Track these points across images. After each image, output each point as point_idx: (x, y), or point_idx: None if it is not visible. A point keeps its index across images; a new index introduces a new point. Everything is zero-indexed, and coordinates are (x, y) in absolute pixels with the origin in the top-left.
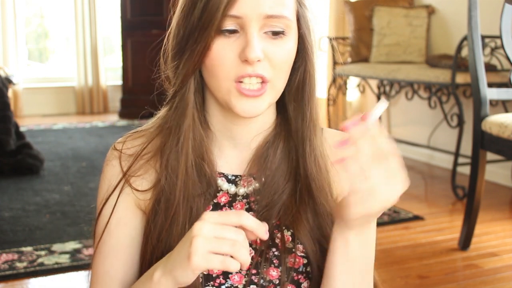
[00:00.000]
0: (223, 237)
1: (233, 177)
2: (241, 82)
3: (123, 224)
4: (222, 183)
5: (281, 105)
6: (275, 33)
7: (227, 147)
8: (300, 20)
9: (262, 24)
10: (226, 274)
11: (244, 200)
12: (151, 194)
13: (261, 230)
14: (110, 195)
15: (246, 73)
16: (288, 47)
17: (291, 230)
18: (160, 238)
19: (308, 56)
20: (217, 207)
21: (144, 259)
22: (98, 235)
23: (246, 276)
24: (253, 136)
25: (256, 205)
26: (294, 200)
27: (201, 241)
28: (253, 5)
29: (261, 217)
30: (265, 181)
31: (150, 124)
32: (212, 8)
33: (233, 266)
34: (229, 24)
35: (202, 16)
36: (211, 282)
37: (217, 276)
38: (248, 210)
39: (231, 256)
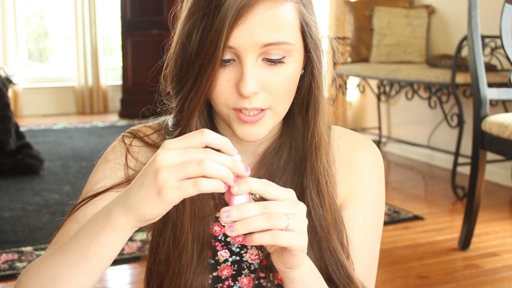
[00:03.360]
0: (188, 160)
1: None
2: (239, 110)
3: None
4: None
5: (288, 112)
6: (272, 61)
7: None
8: (306, 39)
9: (260, 52)
10: (235, 277)
11: None
12: None
13: (228, 147)
14: (112, 187)
15: (243, 106)
16: (288, 73)
17: None
18: (169, 265)
19: (313, 74)
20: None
21: (150, 283)
22: (82, 198)
23: (255, 279)
24: (259, 141)
25: None
26: None
27: (167, 172)
28: (248, 35)
29: None
30: None
31: (156, 134)
32: (211, 42)
33: (207, 185)
34: (225, 55)
35: (201, 49)
36: (220, 285)
37: (226, 279)
38: None
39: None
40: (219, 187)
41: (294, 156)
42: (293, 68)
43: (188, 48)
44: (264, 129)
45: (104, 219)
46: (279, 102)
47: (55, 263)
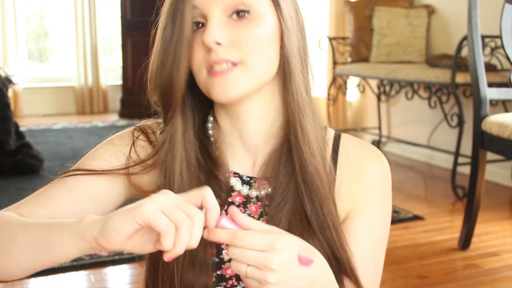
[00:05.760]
0: (182, 208)
1: (248, 179)
2: (211, 68)
3: (102, 179)
4: (236, 183)
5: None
6: (239, 13)
7: (238, 149)
8: (275, 4)
9: (224, 7)
10: (239, 276)
11: (259, 203)
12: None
13: (213, 214)
14: (111, 170)
15: (211, 60)
16: (256, 27)
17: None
18: None
19: (284, 43)
20: None
21: (152, 277)
22: (76, 167)
23: None
24: (263, 137)
25: (270, 210)
26: (297, 207)
27: (163, 199)
28: None
29: (273, 222)
30: (275, 187)
31: (161, 131)
32: (179, 9)
33: (166, 242)
34: (196, 17)
35: (174, 22)
36: (224, 283)
37: (230, 278)
38: (262, 213)
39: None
40: (168, 248)
41: (291, 147)
42: (262, 26)
43: (165, 36)
44: (236, 84)
45: (79, 219)
46: (250, 55)
47: (22, 229)
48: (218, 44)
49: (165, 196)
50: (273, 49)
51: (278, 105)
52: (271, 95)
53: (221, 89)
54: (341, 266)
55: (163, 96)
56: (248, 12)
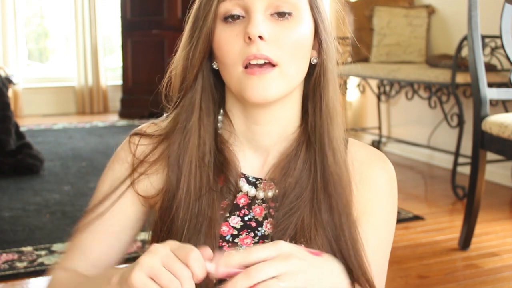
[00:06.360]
0: (169, 268)
1: (254, 180)
2: (249, 63)
3: (118, 210)
4: (243, 184)
5: (305, 110)
6: (281, 14)
7: (248, 149)
8: (313, 10)
9: (267, 4)
10: None
11: (264, 205)
12: (160, 195)
13: (199, 276)
14: (119, 185)
15: (251, 53)
16: (297, 29)
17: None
18: (160, 236)
19: (323, 48)
20: (236, 208)
21: None
22: (92, 205)
23: None
24: (274, 139)
25: (276, 212)
26: (311, 213)
27: (148, 261)
28: None
29: (278, 225)
30: (285, 189)
31: (164, 124)
32: None
33: None
34: (233, 9)
35: (199, 8)
36: None
37: None
38: (267, 215)
39: None
40: None
41: (310, 153)
42: (302, 27)
43: (196, 8)
44: (271, 86)
45: (105, 281)
46: (288, 59)
47: None
48: (261, 38)
49: (150, 257)
50: (307, 55)
51: (296, 110)
52: (292, 100)
53: (257, 89)
54: (353, 277)
55: (183, 72)
56: (290, 14)
